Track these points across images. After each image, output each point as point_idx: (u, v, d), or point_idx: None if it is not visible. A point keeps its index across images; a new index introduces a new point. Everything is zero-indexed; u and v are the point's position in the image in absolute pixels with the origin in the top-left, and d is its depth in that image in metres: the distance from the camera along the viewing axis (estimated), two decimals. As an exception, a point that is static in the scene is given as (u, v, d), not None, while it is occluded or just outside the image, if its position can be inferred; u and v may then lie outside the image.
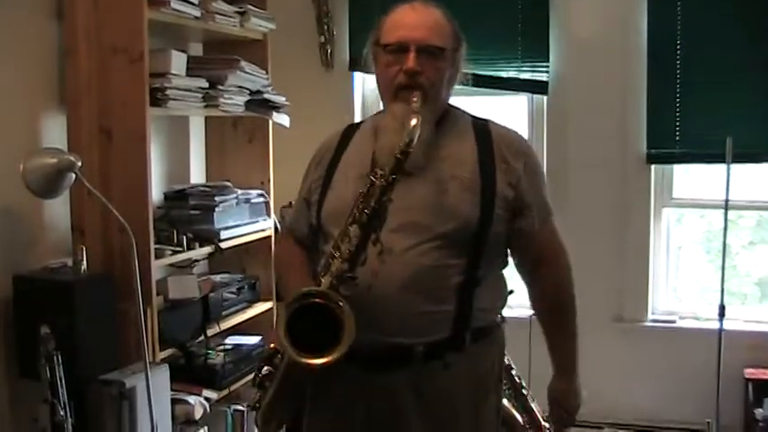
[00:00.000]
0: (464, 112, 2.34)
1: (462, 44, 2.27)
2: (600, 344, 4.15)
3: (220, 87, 3.74)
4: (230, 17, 3.86)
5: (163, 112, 3.48)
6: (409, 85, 2.16)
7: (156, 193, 3.63)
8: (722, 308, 3.85)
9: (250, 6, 4.00)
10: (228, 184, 4.07)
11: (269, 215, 4.22)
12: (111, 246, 3.31)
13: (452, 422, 2.22)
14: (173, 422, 3.39)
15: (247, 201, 4.08)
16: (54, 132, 3.33)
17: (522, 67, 4.40)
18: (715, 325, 3.89)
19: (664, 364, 4.33)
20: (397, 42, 2.18)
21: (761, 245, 4.59)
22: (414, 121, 2.04)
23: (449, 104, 2.30)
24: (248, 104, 3.98)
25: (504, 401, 2.72)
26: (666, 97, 4.25)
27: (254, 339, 4.11)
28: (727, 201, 3.85)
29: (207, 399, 3.66)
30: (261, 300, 4.23)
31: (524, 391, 2.89)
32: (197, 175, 4.30)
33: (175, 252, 3.60)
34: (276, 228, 4.24)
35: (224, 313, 3.90)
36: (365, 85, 4.75)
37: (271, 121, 4.19)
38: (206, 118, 4.31)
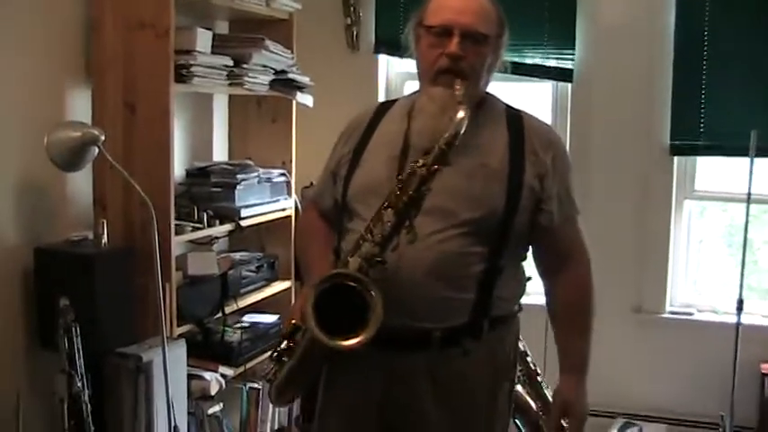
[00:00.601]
0: (499, 100, 2.33)
1: (505, 31, 2.26)
2: (617, 334, 4.16)
3: (245, 66, 3.74)
4: (256, -4, 3.85)
5: (187, 88, 3.48)
6: (450, 69, 2.15)
7: (178, 169, 3.64)
8: (740, 302, 3.83)
9: (276, -14, 3.99)
10: (250, 162, 4.07)
11: (290, 195, 4.23)
12: (132, 220, 3.32)
13: (468, 408, 2.23)
14: (188, 397, 3.42)
15: (269, 180, 4.08)
16: (79, 106, 3.34)
17: (547, 54, 4.36)
18: (733, 319, 3.87)
19: (680, 357, 4.32)
20: (442, 25, 2.16)
21: (783, 240, 4.55)
22: (461, 114, 2.04)
23: (486, 92, 2.29)
24: (272, 84, 3.97)
25: (519, 388, 2.73)
26: (692, 89, 4.20)
27: (271, 318, 4.12)
28: (749, 195, 3.82)
29: (223, 375, 3.68)
30: (279, 279, 4.24)
31: (539, 378, 2.89)
32: (219, 153, 4.31)
33: (196, 228, 3.60)
34: (297, 208, 4.24)
35: (242, 291, 3.91)
36: (390, 69, 4.74)
37: (294, 102, 4.19)
38: (230, 96, 4.32)
